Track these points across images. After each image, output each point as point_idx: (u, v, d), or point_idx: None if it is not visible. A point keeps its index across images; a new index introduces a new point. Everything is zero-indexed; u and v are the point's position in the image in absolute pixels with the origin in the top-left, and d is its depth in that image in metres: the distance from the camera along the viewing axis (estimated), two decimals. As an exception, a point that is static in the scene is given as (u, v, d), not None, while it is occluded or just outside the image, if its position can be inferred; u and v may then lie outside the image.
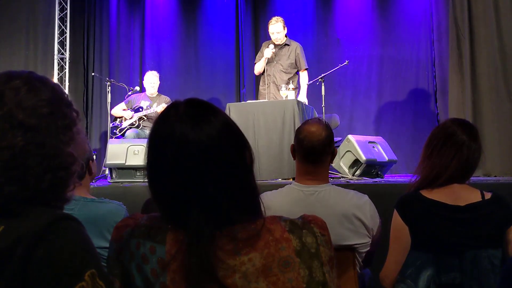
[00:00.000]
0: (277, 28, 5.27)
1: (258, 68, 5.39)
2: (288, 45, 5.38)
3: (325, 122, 2.08)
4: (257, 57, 5.56)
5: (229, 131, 0.99)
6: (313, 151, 1.96)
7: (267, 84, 5.33)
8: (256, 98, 5.63)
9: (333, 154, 2.05)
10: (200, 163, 0.94)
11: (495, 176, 5.11)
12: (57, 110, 0.96)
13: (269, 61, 5.31)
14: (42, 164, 0.92)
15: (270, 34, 5.32)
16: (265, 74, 5.34)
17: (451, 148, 1.79)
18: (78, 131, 1.00)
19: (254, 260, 0.92)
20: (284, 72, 5.32)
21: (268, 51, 5.24)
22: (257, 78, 5.81)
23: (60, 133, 0.95)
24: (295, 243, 0.95)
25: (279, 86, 5.20)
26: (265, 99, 5.22)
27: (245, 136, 1.02)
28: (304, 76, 5.39)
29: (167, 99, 5.81)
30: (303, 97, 5.20)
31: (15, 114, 0.91)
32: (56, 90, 0.99)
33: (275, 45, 5.31)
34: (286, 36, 5.40)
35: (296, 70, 5.41)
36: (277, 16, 5.50)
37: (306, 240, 0.96)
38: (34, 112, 0.93)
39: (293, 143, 2.07)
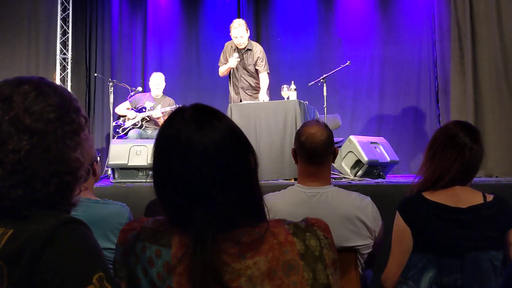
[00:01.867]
0: (240, 32, 5.10)
1: (222, 72, 5.34)
2: (250, 49, 5.25)
3: (323, 122, 2.10)
4: (221, 57, 5.42)
5: (234, 136, 1.00)
6: (316, 152, 1.97)
7: (236, 89, 5.32)
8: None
9: (334, 154, 2.06)
10: (205, 167, 0.95)
11: (497, 177, 5.11)
12: (64, 116, 0.98)
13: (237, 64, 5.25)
14: (48, 168, 0.93)
15: (233, 38, 5.18)
16: (232, 79, 5.31)
17: (453, 150, 1.80)
18: (85, 137, 1.01)
19: (259, 264, 0.93)
20: (250, 76, 5.29)
21: (232, 61, 5.14)
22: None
23: (67, 138, 0.96)
24: (299, 246, 0.96)
25: (247, 91, 5.25)
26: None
27: (249, 141, 1.04)
28: (264, 77, 5.24)
29: (172, 101, 5.81)
30: (263, 96, 5.11)
31: (22, 118, 0.92)
32: (65, 95, 1.00)
33: (239, 50, 5.23)
34: (249, 39, 5.28)
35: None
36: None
37: (309, 243, 0.97)
38: (41, 117, 0.94)
39: (293, 147, 2.08)
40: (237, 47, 5.22)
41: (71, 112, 1.00)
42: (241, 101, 5.23)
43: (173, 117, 1.01)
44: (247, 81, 5.30)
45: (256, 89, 5.30)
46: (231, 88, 5.38)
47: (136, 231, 1.03)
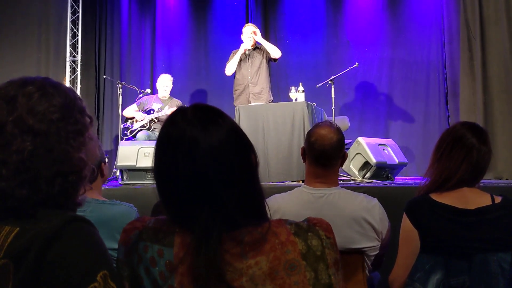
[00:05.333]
0: (251, 29, 5.43)
1: (232, 65, 5.44)
2: (258, 47, 5.51)
3: (336, 125, 2.07)
4: (229, 59, 5.60)
5: (236, 134, 1.01)
6: (323, 155, 1.96)
7: (243, 86, 5.40)
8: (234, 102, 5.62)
9: (343, 158, 2.05)
10: (210, 166, 0.95)
11: (507, 179, 5.07)
12: (68, 116, 0.98)
13: (243, 63, 5.43)
14: (52, 168, 0.94)
15: (246, 38, 5.42)
16: (240, 75, 5.42)
17: (461, 152, 1.78)
18: (90, 137, 1.02)
19: (261, 264, 0.94)
20: (260, 69, 5.41)
21: (246, 42, 5.36)
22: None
23: (71, 138, 0.97)
24: (300, 246, 0.96)
25: (255, 86, 5.35)
26: (242, 102, 5.31)
27: (249, 140, 1.04)
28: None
29: (179, 102, 5.84)
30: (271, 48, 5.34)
31: (26, 119, 0.94)
32: (69, 96, 1.01)
33: (247, 55, 5.45)
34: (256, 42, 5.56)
35: (266, 65, 5.48)
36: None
37: (311, 243, 0.97)
38: (45, 117, 0.95)
39: (303, 145, 2.07)
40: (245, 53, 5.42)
41: (75, 113, 1.00)
42: (249, 97, 5.33)
43: (175, 117, 1.01)
44: (256, 76, 5.39)
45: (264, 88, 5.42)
46: (236, 85, 5.48)
47: (138, 230, 1.04)
